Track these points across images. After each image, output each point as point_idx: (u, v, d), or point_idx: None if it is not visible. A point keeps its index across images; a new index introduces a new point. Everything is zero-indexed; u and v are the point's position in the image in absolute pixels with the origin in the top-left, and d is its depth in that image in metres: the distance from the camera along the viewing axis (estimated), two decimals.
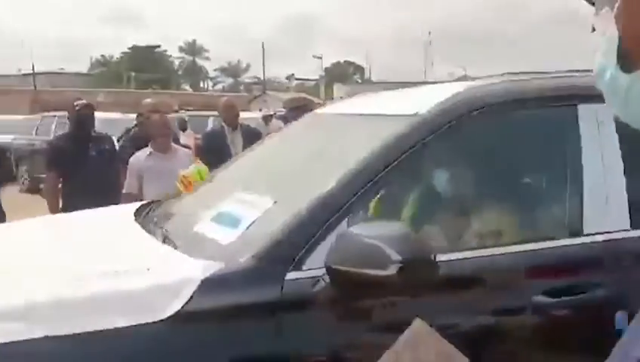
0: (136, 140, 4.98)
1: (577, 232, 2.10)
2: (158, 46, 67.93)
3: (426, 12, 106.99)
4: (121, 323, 1.67)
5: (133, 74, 51.22)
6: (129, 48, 65.74)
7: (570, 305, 2.01)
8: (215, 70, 72.60)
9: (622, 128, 2.10)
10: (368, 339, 1.85)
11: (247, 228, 2.01)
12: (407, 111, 2.22)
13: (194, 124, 12.38)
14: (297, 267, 1.82)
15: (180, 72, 70.88)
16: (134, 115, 7.43)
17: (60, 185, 4.88)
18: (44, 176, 11.20)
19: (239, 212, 2.15)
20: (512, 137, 2.48)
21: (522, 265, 2.06)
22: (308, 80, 54.76)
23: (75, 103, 5.02)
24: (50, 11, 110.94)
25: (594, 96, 2.18)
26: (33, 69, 40.12)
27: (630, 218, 2.11)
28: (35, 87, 35.24)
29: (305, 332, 1.80)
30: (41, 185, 11.69)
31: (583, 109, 2.19)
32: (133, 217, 2.61)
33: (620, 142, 2.16)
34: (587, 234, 2.09)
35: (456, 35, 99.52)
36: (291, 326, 1.78)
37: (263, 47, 49.38)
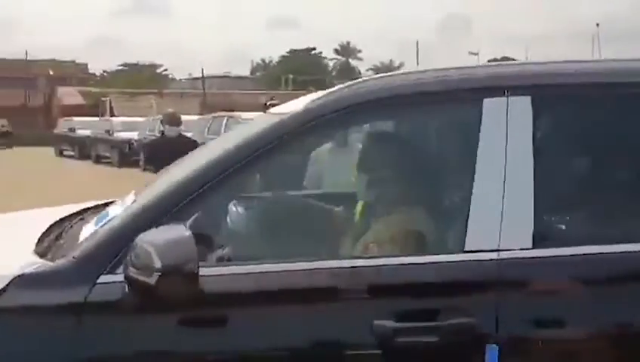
0: None
1: (455, 248, 1.79)
2: (314, 48, 70.35)
3: (592, 5, 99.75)
4: None
5: (291, 76, 53.46)
6: (287, 52, 68.78)
7: (424, 332, 1.70)
8: (367, 70, 73.49)
9: (544, 127, 1.88)
10: (153, 348, 1.75)
11: (100, 227, 1.95)
12: (288, 109, 2.09)
13: None
14: (113, 270, 1.74)
15: (334, 73, 72.71)
16: None
17: None
18: None
19: (110, 211, 2.10)
20: (387, 137, 2.27)
21: (364, 282, 1.77)
22: None
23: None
24: (216, 19, 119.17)
25: (508, 88, 1.87)
26: (202, 73, 43.51)
27: (534, 235, 1.75)
28: (204, 89, 38.13)
29: (103, 337, 1.73)
30: None
31: (490, 104, 1.86)
32: (57, 217, 2.50)
33: (535, 144, 1.81)
34: (468, 251, 1.75)
35: (628, 27, 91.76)
36: (92, 330, 1.72)
37: (417, 45, 49.24)
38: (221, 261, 1.89)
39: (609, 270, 1.77)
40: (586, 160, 2.00)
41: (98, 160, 21.92)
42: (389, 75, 2.16)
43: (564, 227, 1.90)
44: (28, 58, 50.75)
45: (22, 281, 1.74)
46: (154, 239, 1.66)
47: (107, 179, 14.71)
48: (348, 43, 72.37)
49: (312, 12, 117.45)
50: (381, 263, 1.83)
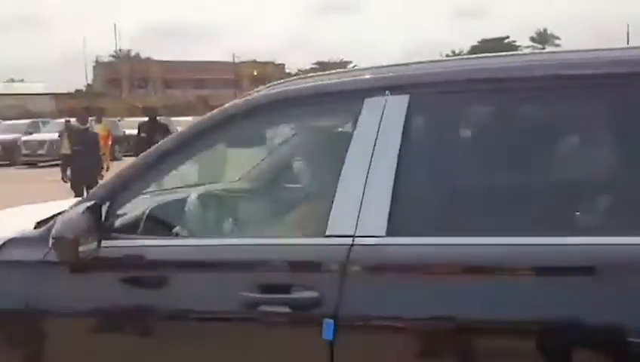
0: None
1: (319, 233, 1.95)
2: (507, 37, 67.73)
3: None
4: None
5: None
6: (478, 41, 67.00)
7: (279, 303, 1.92)
8: None
9: (416, 124, 1.99)
10: (63, 302, 2.19)
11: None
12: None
13: None
14: None
15: None
16: None
17: None
18: None
19: None
20: (294, 134, 2.71)
21: (236, 257, 2.06)
22: None
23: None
24: (401, 12, 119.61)
25: (390, 88, 2.01)
26: None
27: (388, 225, 1.86)
28: None
29: (49, 287, 2.20)
30: None
31: (369, 103, 2.00)
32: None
33: (403, 140, 1.93)
34: (328, 236, 1.93)
35: None
36: (45, 281, 2.21)
37: (627, 29, 45.22)
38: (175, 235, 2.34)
39: (453, 262, 1.83)
40: (453, 156, 2.09)
41: None
42: (306, 77, 2.42)
43: (417, 219, 1.96)
44: (235, 61, 55.63)
45: (12, 242, 2.31)
46: (66, 213, 2.16)
47: None
48: (545, 30, 68.56)
49: (505, 1, 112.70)
50: (253, 242, 2.13)
